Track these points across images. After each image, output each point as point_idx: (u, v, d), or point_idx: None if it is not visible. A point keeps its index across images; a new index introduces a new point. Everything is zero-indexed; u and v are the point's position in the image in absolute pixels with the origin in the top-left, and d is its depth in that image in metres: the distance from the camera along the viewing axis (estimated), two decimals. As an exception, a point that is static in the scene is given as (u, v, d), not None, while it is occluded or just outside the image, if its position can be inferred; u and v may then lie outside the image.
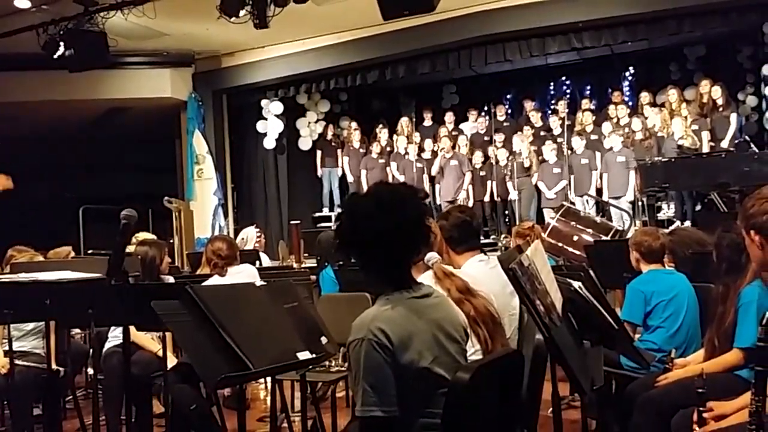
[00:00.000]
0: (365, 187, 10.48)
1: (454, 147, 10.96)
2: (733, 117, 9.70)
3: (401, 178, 11.00)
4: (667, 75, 11.54)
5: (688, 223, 8.53)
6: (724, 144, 9.42)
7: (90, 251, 8.69)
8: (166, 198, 10.53)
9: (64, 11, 8.46)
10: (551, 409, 2.58)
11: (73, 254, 6.40)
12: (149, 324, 3.59)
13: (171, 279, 4.78)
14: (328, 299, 5.04)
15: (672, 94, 10.05)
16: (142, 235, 5.81)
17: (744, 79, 10.93)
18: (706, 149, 9.38)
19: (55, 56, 8.57)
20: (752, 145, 8.98)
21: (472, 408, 2.03)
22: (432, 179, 11.09)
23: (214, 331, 2.51)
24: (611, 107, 10.70)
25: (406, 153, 11.25)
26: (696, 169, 8.60)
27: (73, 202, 11.92)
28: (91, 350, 4.98)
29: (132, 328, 4.06)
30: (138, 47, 10.44)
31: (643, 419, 3.09)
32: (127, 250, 4.61)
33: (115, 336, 4.53)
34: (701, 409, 2.52)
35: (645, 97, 10.49)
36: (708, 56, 11.30)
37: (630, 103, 11.02)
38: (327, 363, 4.07)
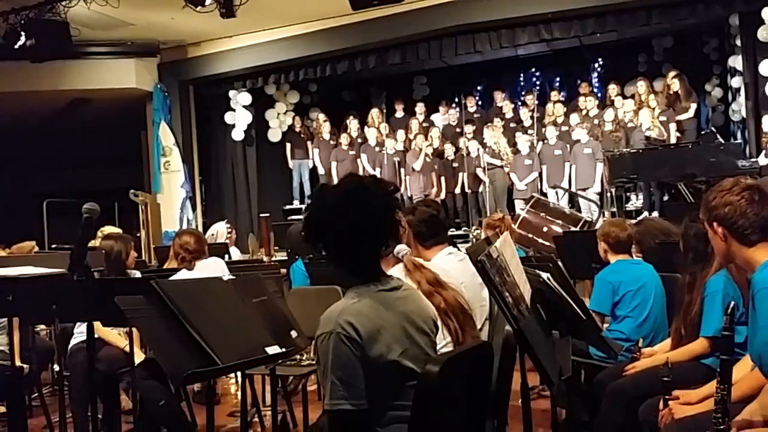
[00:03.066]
0: (336, 179, 10.49)
1: (426, 139, 10.95)
2: (692, 108, 9.86)
3: (372, 170, 10.97)
4: (635, 66, 11.68)
5: (655, 214, 8.64)
6: (674, 135, 9.58)
7: (54, 246, 8.51)
8: (132, 191, 10.36)
9: (26, 0, 8.26)
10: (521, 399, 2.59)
11: (36, 249, 6.29)
12: (115, 320, 3.52)
13: (137, 274, 4.70)
14: (298, 293, 5.01)
15: (641, 86, 10.18)
16: (108, 229, 5.71)
17: (711, 71, 11.10)
18: (673, 140, 9.52)
19: (16, 46, 8.39)
20: (718, 136, 9.13)
21: (441, 400, 2.02)
22: (401, 171, 11.05)
23: (180, 326, 2.48)
24: (581, 99, 10.78)
25: (378, 144, 11.21)
26: (663, 160, 8.72)
27: (36, 195, 11.70)
28: (56, 347, 4.88)
29: (98, 324, 3.99)
30: (101, 37, 10.26)
31: (611, 408, 3.13)
32: (92, 245, 4.54)
33: (80, 332, 4.44)
34: (666, 397, 2.54)
35: (613, 89, 10.59)
36: (675, 48, 11.45)
37: (599, 95, 11.12)
38: (298, 357, 4.04)
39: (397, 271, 2.55)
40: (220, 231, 7.30)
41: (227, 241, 7.23)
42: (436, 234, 3.17)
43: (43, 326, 5.71)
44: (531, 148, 10.18)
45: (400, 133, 11.25)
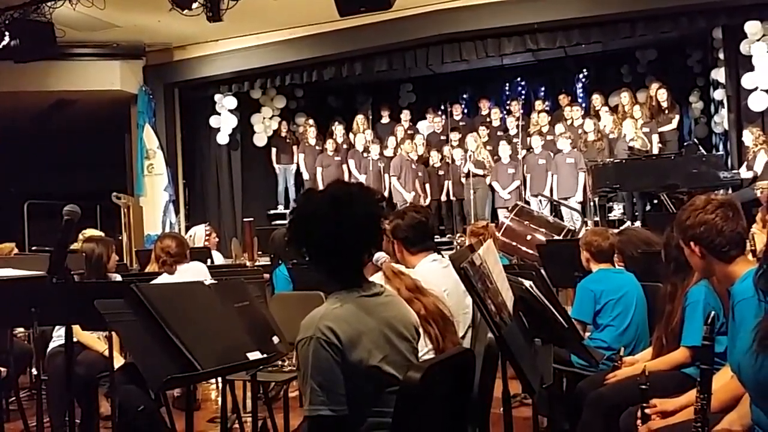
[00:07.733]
0: (321, 185, 10.47)
1: (411, 146, 10.97)
2: (675, 120, 9.97)
3: (359, 176, 10.97)
4: (619, 78, 11.79)
5: (638, 224, 8.71)
6: (657, 146, 9.67)
7: (34, 248, 8.43)
8: (114, 194, 10.27)
9: (10, 0, 8.20)
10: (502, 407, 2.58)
11: (16, 251, 6.22)
12: (94, 323, 3.48)
13: (118, 277, 4.66)
14: (281, 298, 4.98)
15: (624, 97, 10.27)
16: (89, 232, 5.65)
17: (694, 83, 11.22)
18: (656, 151, 9.61)
19: (0, 46, 8.31)
20: (700, 148, 9.23)
21: (422, 407, 2.02)
22: (386, 177, 11.05)
23: (160, 330, 2.45)
24: (566, 109, 10.85)
25: (365, 150, 11.22)
26: (646, 171, 8.79)
27: (17, 197, 11.57)
28: (34, 350, 4.82)
29: (77, 327, 3.94)
30: (87, 38, 10.19)
31: (592, 416, 3.13)
32: (73, 248, 4.50)
33: (59, 335, 4.38)
34: (644, 405, 2.55)
35: (597, 99, 10.68)
36: (659, 60, 11.57)
37: (583, 105, 11.21)
38: (279, 363, 4.02)
39: (376, 279, 2.55)
40: (197, 234, 7.24)
41: (206, 244, 7.17)
42: (423, 240, 3.18)
43: (21, 329, 5.63)
44: (513, 157, 10.24)
45: (391, 140, 11.23)
